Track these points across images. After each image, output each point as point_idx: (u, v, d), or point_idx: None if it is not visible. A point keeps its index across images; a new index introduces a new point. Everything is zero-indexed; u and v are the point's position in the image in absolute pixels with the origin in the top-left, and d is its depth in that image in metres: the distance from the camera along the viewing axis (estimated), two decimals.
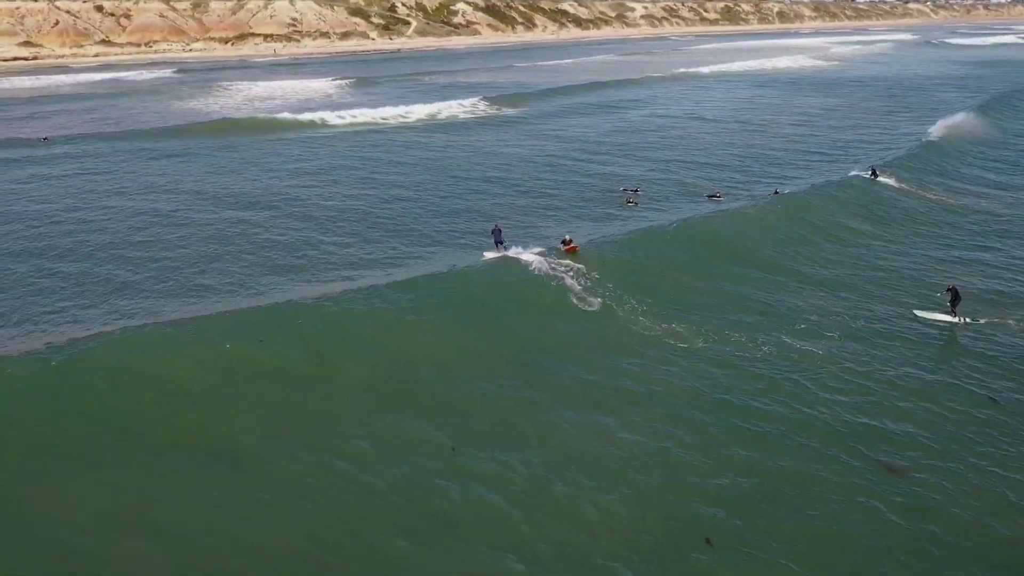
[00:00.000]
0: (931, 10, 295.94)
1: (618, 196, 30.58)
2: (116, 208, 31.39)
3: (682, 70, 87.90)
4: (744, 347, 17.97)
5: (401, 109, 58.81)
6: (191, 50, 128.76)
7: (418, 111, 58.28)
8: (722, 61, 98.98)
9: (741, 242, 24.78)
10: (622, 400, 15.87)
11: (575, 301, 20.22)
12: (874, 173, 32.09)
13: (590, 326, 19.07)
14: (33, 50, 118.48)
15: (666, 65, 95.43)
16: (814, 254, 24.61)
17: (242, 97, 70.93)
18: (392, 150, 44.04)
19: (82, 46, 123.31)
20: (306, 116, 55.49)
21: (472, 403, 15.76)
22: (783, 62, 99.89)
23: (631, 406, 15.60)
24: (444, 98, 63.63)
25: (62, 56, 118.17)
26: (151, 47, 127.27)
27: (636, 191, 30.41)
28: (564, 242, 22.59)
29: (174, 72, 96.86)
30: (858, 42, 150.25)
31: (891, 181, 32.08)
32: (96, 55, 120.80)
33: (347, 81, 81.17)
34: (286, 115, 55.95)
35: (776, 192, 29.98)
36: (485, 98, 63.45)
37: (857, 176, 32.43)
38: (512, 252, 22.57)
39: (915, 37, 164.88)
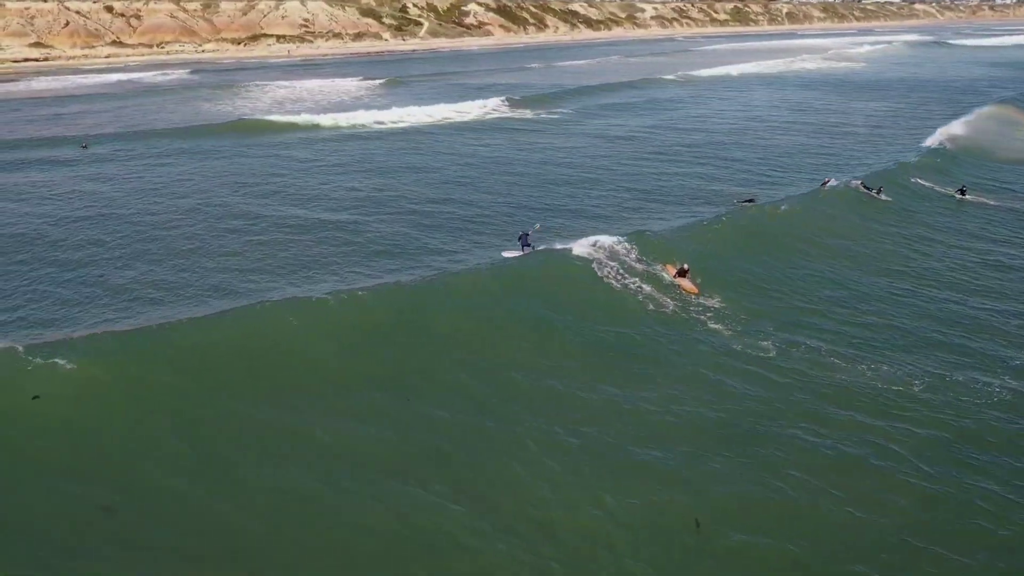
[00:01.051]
0: (937, 11, 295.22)
1: (733, 207, 28.24)
2: (209, 204, 30.23)
3: (707, 72, 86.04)
4: None
5: (439, 109, 57.89)
6: (203, 51, 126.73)
7: (452, 112, 57.37)
8: (745, 61, 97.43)
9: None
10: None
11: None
12: (962, 191, 30.23)
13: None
14: (44, 51, 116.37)
15: (690, 65, 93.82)
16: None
17: (272, 98, 69.23)
18: (438, 150, 42.86)
19: (93, 47, 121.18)
20: (345, 117, 54.51)
21: None
22: (810, 63, 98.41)
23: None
24: (474, 98, 62.52)
25: (73, 57, 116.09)
26: (163, 48, 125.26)
27: (751, 201, 28.29)
28: (680, 272, 19.26)
29: (189, 73, 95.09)
30: (874, 42, 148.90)
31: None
32: (107, 56, 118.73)
33: (377, 82, 79.73)
34: (327, 116, 54.59)
35: (878, 190, 28.43)
36: (524, 97, 62.51)
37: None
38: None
39: (928, 38, 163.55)
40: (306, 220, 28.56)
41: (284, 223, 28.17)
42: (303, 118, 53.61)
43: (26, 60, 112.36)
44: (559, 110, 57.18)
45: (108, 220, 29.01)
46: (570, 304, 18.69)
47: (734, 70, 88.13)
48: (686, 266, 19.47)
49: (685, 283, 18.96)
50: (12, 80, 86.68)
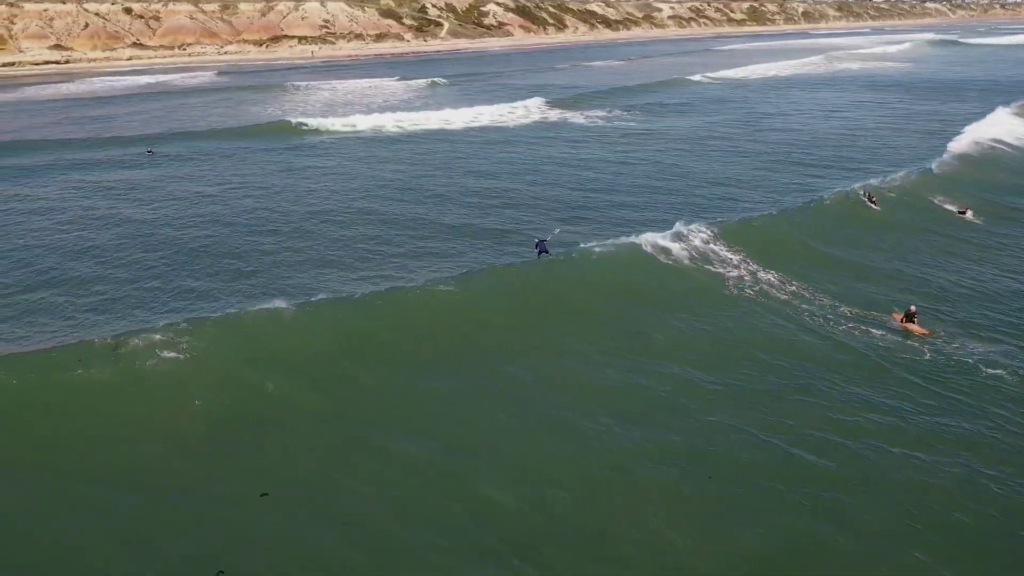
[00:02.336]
0: (949, 9, 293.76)
1: (855, 201, 26.45)
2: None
3: (742, 73, 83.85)
4: None
5: (492, 110, 56.61)
6: (225, 53, 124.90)
7: (506, 112, 56.12)
8: (775, 60, 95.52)
9: None
10: None
11: None
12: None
13: None
14: (64, 53, 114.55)
15: (723, 65, 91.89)
16: None
17: (320, 100, 67.55)
18: (508, 149, 41.52)
19: (114, 49, 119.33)
20: (411, 117, 53.24)
21: None
22: (851, 63, 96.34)
23: None
24: (520, 99, 61.16)
25: (94, 60, 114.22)
26: (184, 50, 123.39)
27: (872, 199, 26.44)
28: (907, 315, 17.31)
29: (217, 75, 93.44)
30: (900, 41, 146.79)
31: None
32: (129, 58, 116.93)
33: (421, 82, 78.08)
34: (386, 116, 53.37)
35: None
36: (568, 98, 61.51)
37: None
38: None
39: (948, 36, 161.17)
40: (409, 215, 28.64)
41: (401, 218, 28.17)
42: (365, 119, 52.25)
43: (47, 63, 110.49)
44: (615, 111, 55.49)
45: (224, 214, 28.77)
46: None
47: (772, 70, 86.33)
48: (913, 308, 17.44)
49: (914, 327, 16.96)
50: (45, 83, 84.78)
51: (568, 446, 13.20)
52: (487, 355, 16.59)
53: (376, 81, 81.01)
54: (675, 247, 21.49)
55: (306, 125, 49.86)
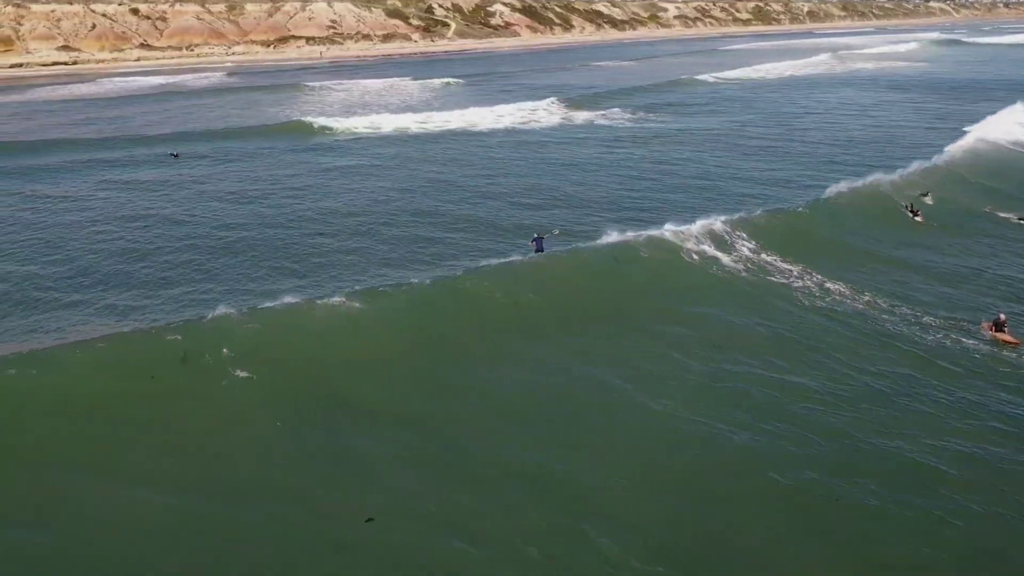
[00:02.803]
0: (953, 9, 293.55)
1: (901, 212, 25.79)
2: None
3: (755, 73, 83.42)
4: None
5: (510, 109, 56.38)
6: (233, 53, 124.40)
7: (527, 112, 55.70)
8: (786, 60, 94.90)
9: None
10: None
11: None
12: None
13: None
14: (72, 55, 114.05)
15: (732, 65, 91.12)
16: None
17: (337, 100, 67.12)
18: (535, 149, 41.45)
19: (122, 50, 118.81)
20: (438, 117, 53.37)
21: None
22: (867, 62, 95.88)
23: None
24: (534, 98, 60.71)
25: (103, 61, 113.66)
26: (192, 51, 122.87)
27: (914, 212, 25.71)
28: (996, 324, 16.84)
29: (228, 76, 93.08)
30: (907, 40, 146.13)
31: None
32: (137, 59, 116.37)
33: (436, 82, 77.69)
34: (405, 116, 53.28)
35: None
36: (585, 97, 60.72)
37: None
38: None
39: (955, 36, 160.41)
40: (452, 213, 28.59)
41: (444, 216, 28.10)
42: (387, 119, 52.02)
43: (55, 64, 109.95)
44: (639, 112, 55.18)
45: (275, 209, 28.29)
46: None
47: (788, 70, 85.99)
48: (1003, 316, 16.91)
49: (1005, 337, 16.47)
50: (58, 84, 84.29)
51: (681, 451, 12.77)
52: (563, 350, 16.23)
53: (390, 81, 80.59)
54: (726, 257, 21.09)
55: (330, 126, 49.63)
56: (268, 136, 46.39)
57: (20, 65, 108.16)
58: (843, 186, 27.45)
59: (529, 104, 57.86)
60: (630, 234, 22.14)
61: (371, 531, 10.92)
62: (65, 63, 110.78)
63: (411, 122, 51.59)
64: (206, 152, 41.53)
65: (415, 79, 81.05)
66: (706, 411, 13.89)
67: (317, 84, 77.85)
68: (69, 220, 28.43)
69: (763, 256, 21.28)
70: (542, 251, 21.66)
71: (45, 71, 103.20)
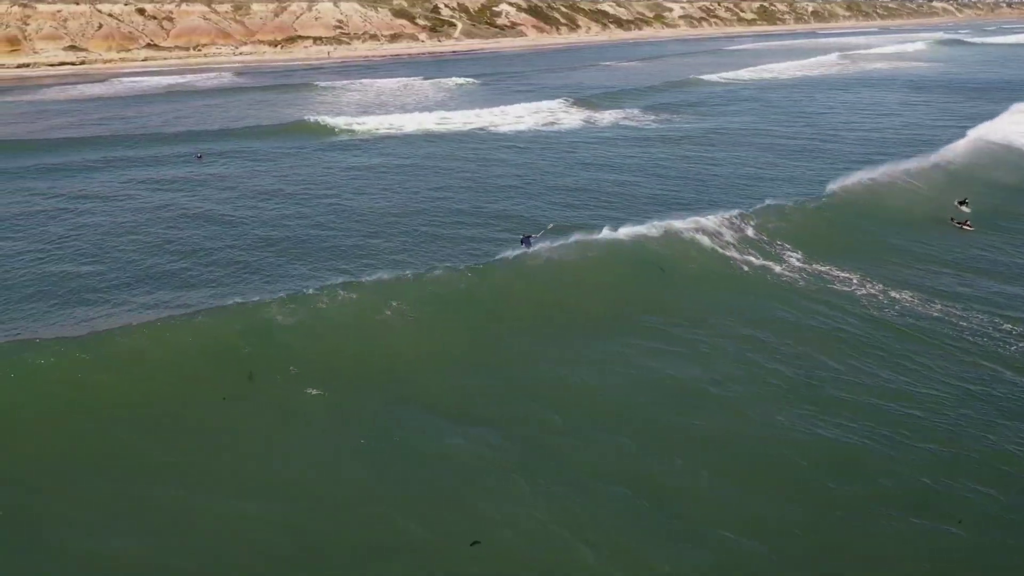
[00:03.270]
0: (956, 9, 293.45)
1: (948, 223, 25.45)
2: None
3: (768, 73, 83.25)
4: None
5: (534, 108, 55.96)
6: (241, 53, 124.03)
7: (545, 112, 55.43)
8: (794, 60, 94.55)
9: None
10: None
11: None
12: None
13: None
14: (80, 55, 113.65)
15: (743, 65, 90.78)
16: None
17: (350, 100, 66.51)
18: (562, 149, 41.23)
19: (129, 50, 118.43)
20: (445, 117, 52.84)
21: None
22: (873, 63, 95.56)
23: None
24: (552, 98, 60.42)
25: (110, 60, 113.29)
26: (199, 51, 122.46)
27: (961, 224, 25.33)
28: None
29: (237, 76, 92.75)
30: (913, 39, 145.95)
31: None
32: (144, 59, 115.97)
33: (453, 81, 77.31)
34: (426, 115, 52.79)
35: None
36: (611, 96, 61.07)
37: None
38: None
39: (960, 36, 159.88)
40: (491, 210, 28.39)
41: (480, 211, 27.61)
42: (408, 118, 51.82)
43: (62, 64, 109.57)
44: (663, 113, 55.01)
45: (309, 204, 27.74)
46: None
47: (800, 70, 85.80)
48: None
49: None
50: (70, 84, 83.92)
51: (781, 453, 12.46)
52: (628, 348, 16.01)
53: (403, 81, 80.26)
54: (778, 267, 20.74)
55: (351, 126, 49.35)
56: (289, 136, 46.19)
57: (27, 65, 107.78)
58: (885, 187, 27.18)
59: (548, 104, 57.64)
60: (685, 233, 21.87)
61: (478, 554, 10.44)
62: (72, 63, 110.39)
63: (431, 122, 51.37)
64: (230, 150, 41.38)
65: (428, 79, 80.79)
66: (798, 412, 13.62)
67: (330, 84, 77.57)
68: (104, 217, 28.38)
69: (816, 264, 20.99)
70: (529, 247, 21.76)
71: (54, 71, 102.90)
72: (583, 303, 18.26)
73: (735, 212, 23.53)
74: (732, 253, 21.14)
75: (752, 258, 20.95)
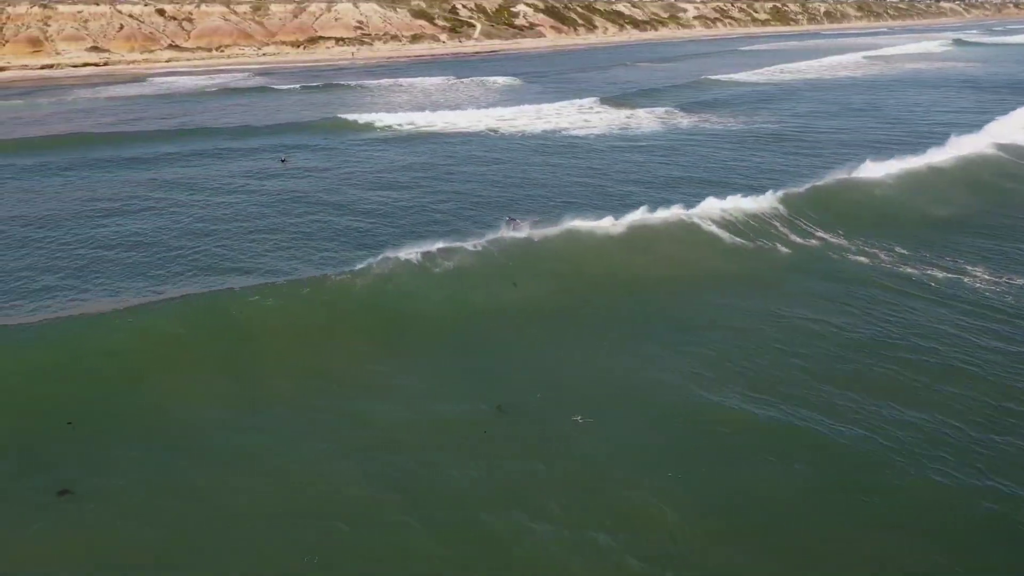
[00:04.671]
0: (963, 9, 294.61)
1: None
2: None
3: (809, 73, 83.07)
4: None
5: (611, 111, 54.62)
6: (263, 54, 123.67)
7: (615, 111, 54.52)
8: (823, 58, 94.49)
9: None
10: None
11: None
12: None
13: None
14: (103, 55, 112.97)
15: (776, 62, 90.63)
16: None
17: (400, 99, 66.15)
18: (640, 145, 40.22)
19: (152, 51, 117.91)
20: (505, 114, 53.11)
21: None
22: (910, 64, 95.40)
23: None
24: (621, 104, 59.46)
25: (134, 61, 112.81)
26: (222, 51, 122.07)
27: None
28: None
29: (269, 76, 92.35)
30: (931, 38, 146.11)
31: None
32: (168, 60, 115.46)
33: (499, 81, 76.68)
34: (486, 111, 52.23)
35: None
36: (633, 94, 59.23)
37: None
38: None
39: (973, 35, 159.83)
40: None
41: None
42: (473, 116, 51.36)
43: (85, 64, 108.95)
44: (727, 115, 54.92)
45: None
46: None
47: (841, 70, 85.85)
48: None
49: None
50: (104, 84, 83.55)
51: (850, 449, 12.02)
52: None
53: (446, 81, 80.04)
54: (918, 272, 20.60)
55: (427, 124, 48.94)
56: (367, 132, 46.20)
57: (51, 66, 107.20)
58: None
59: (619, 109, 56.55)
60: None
61: None
62: (96, 64, 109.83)
63: (499, 121, 50.87)
64: (315, 145, 41.25)
65: (468, 79, 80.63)
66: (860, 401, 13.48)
67: (375, 83, 77.40)
68: (217, 202, 28.66)
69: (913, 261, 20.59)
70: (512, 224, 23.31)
71: (82, 72, 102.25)
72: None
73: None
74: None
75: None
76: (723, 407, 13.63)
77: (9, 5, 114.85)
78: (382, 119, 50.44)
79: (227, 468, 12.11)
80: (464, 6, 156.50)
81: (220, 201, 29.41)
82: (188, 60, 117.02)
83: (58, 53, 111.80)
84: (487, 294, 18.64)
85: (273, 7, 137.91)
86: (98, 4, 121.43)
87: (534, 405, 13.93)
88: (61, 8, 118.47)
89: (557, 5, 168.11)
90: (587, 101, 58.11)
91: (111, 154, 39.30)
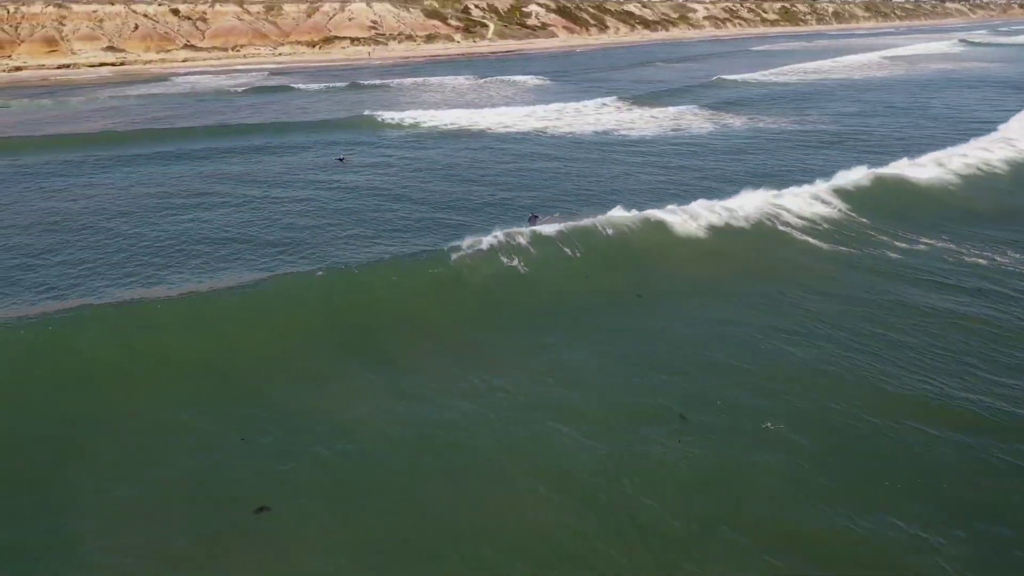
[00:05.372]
0: (969, 9, 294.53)
1: None
2: None
3: (838, 73, 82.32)
4: None
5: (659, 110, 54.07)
6: (280, 54, 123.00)
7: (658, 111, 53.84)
8: (846, 57, 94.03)
9: None
10: None
11: None
12: None
13: None
14: (119, 55, 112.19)
15: (806, 61, 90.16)
16: None
17: (432, 98, 65.47)
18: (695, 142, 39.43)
19: (168, 51, 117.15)
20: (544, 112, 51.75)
21: None
22: (936, 64, 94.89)
23: None
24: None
25: (150, 61, 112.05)
26: (238, 51, 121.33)
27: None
28: None
29: (290, 76, 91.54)
30: (942, 38, 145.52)
31: None
32: (184, 60, 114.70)
33: (530, 81, 76.13)
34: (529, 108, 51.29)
35: None
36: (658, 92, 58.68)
37: None
38: None
39: (982, 36, 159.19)
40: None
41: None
42: (512, 116, 51.01)
43: (102, 64, 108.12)
44: (769, 116, 53.89)
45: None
46: None
47: (873, 70, 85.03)
48: None
49: None
50: (134, 83, 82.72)
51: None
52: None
53: (473, 80, 79.23)
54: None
55: (469, 123, 48.30)
56: (410, 130, 45.32)
57: (67, 66, 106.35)
58: None
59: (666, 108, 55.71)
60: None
61: None
62: (113, 64, 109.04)
63: (543, 120, 50.27)
64: (366, 141, 40.73)
65: (495, 78, 79.94)
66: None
67: (404, 82, 76.80)
68: (290, 196, 29.41)
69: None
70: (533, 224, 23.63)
71: (103, 71, 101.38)
72: None
73: None
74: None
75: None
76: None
77: (24, 4, 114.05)
78: (425, 117, 49.80)
79: (430, 476, 11.42)
80: (476, 6, 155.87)
81: (292, 195, 29.16)
82: (204, 60, 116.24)
83: (74, 53, 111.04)
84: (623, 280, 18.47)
85: (287, 7, 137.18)
86: (113, 3, 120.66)
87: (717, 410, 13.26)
88: (76, 8, 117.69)
89: (569, 5, 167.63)
90: (623, 101, 57.53)
91: (162, 149, 39.26)
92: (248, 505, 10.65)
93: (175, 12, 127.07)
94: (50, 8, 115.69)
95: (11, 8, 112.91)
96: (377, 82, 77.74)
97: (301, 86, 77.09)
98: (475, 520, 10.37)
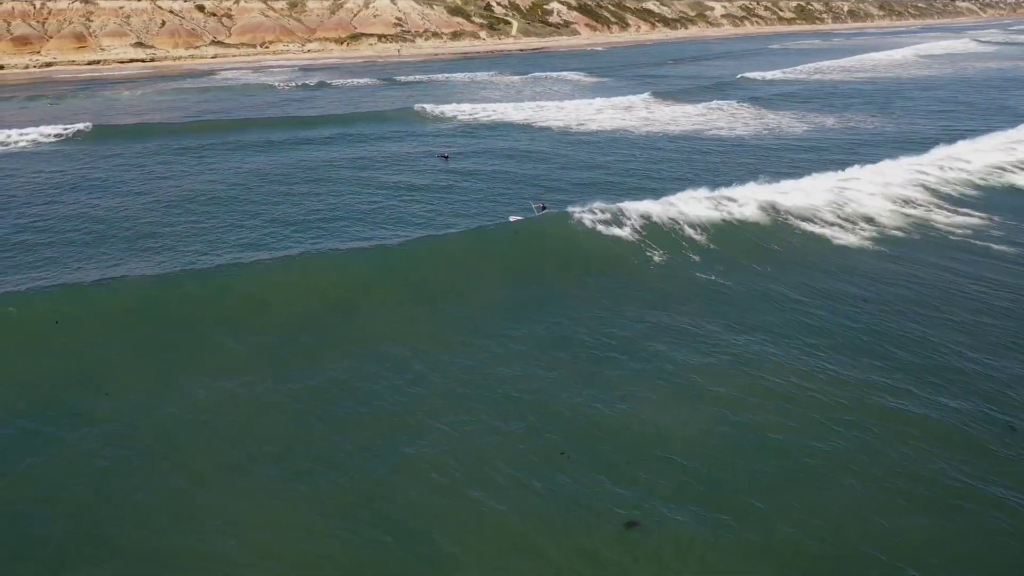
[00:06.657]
0: (979, 8, 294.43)
1: None
2: None
3: (890, 71, 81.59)
4: None
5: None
6: (308, 51, 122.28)
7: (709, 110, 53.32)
8: (876, 54, 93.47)
9: None
10: None
11: None
12: None
13: None
14: (148, 51, 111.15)
15: (844, 56, 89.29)
16: None
17: (494, 93, 64.51)
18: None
19: (197, 47, 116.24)
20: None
21: None
22: (978, 62, 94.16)
23: None
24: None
25: (179, 58, 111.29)
26: (267, 48, 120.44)
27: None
28: None
29: (312, 71, 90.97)
30: (960, 38, 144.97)
31: None
32: (214, 56, 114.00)
33: (585, 78, 75.44)
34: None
35: None
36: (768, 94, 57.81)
37: None
38: None
39: (997, 34, 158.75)
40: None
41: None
42: (592, 113, 49.85)
43: (132, 61, 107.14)
44: (817, 114, 53.41)
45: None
46: None
47: (921, 70, 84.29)
48: None
49: None
50: (186, 77, 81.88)
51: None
52: None
53: (523, 77, 78.43)
54: None
55: (556, 119, 47.76)
56: (496, 127, 44.62)
57: (98, 62, 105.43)
58: None
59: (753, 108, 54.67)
60: None
61: None
62: (143, 60, 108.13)
63: (623, 119, 49.45)
64: (433, 132, 40.62)
65: (539, 73, 79.37)
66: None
67: (445, 78, 75.70)
68: (395, 180, 30.69)
69: None
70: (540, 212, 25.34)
71: (136, 67, 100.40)
72: None
73: None
74: None
75: None
76: None
77: (49, 0, 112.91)
78: (489, 110, 49.34)
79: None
80: (499, 3, 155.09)
81: (399, 180, 29.46)
82: (235, 56, 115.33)
83: (102, 49, 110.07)
84: None
85: (310, 4, 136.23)
86: (139, 0, 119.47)
87: None
88: (103, 4, 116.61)
89: (589, 3, 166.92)
90: (701, 100, 56.59)
91: (252, 138, 39.95)
92: None
93: (200, 8, 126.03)
94: (76, 3, 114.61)
95: (37, 3, 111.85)
96: (424, 78, 77.18)
97: (342, 81, 76.32)
98: None
